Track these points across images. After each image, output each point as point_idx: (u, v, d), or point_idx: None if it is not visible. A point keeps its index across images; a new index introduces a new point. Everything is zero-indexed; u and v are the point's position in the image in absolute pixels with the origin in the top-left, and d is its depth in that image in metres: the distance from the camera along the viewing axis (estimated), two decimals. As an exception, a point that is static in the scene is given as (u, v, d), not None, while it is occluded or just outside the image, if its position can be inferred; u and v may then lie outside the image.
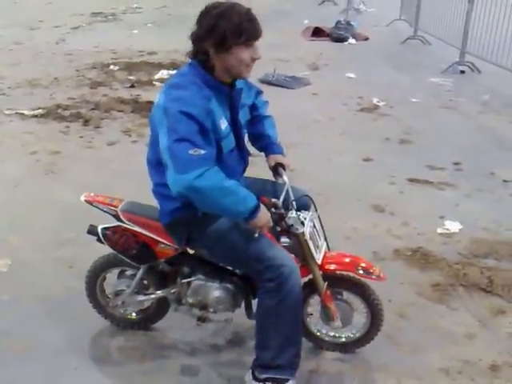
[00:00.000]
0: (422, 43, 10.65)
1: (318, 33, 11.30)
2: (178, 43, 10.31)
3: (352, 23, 11.50)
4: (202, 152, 2.14)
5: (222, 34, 2.19)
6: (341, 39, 10.92)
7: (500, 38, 7.71)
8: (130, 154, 5.31)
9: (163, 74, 8.11)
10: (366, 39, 11.13)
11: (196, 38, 2.27)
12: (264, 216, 2.28)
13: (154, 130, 2.32)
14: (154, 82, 7.76)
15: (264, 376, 2.44)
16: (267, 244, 2.37)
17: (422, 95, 7.25)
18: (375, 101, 6.98)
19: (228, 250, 2.41)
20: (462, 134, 5.82)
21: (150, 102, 6.58)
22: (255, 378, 2.47)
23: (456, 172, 4.94)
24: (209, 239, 2.42)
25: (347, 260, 2.60)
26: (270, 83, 7.90)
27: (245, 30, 2.20)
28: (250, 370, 2.51)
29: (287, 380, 2.44)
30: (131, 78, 8.00)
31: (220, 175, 2.19)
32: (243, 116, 2.52)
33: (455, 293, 3.24)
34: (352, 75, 8.20)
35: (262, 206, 2.29)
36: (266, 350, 2.41)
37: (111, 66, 8.66)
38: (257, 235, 2.30)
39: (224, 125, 2.34)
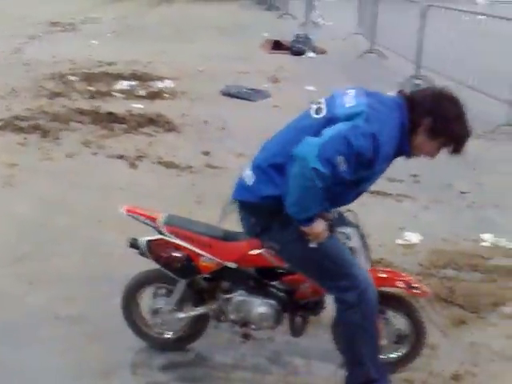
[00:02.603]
0: (378, 57, 10.89)
1: (277, 46, 11.42)
2: (138, 53, 10.36)
3: (310, 37, 11.68)
4: (341, 169, 2.10)
5: (451, 134, 2.27)
6: (300, 52, 11.07)
7: (454, 52, 7.95)
8: (90, 166, 5.23)
9: (123, 84, 8.06)
10: (325, 52, 11.32)
11: (429, 109, 2.26)
12: (318, 227, 2.26)
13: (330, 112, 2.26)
14: (113, 93, 7.67)
15: None
16: (347, 253, 2.40)
17: (380, 108, 7.38)
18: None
19: (305, 250, 2.34)
20: (419, 146, 5.95)
21: (110, 114, 6.53)
22: None
23: (414, 184, 5.06)
24: (288, 234, 2.36)
25: (390, 275, 2.62)
26: (230, 95, 7.93)
27: (462, 142, 2.31)
28: None
29: None
30: (90, 88, 7.88)
31: (322, 184, 2.12)
32: None
33: (417, 304, 3.28)
34: (311, 88, 8.30)
35: (321, 220, 2.28)
36: (362, 365, 2.41)
37: (70, 77, 8.52)
38: (314, 245, 2.29)
39: (381, 174, 2.33)
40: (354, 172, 2.14)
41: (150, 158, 5.39)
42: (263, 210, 2.37)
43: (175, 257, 2.57)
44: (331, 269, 2.34)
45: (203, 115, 6.85)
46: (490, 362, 2.85)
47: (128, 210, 2.70)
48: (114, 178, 4.88)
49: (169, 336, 2.84)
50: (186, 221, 2.71)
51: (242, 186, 2.45)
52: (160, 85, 8.19)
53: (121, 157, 5.36)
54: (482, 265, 3.73)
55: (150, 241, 2.62)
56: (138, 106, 7.06)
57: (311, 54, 11.08)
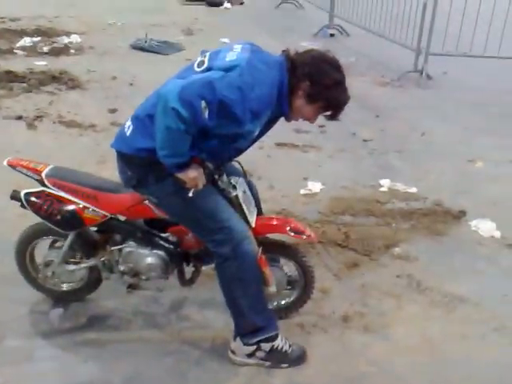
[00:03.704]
0: (295, 7, 10.84)
1: (192, -3, 11.12)
2: (44, 8, 9.81)
3: (227, -13, 11.42)
4: (204, 116, 2.04)
5: (329, 99, 2.26)
6: (216, 3, 10.84)
7: (365, 1, 8.00)
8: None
9: (26, 41, 7.62)
10: (242, 3, 11.14)
11: (308, 73, 2.22)
12: (193, 172, 2.21)
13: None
14: (15, 51, 7.26)
15: (255, 340, 2.49)
16: (224, 206, 2.36)
17: (293, 59, 7.38)
18: (247, 66, 7.01)
19: (182, 204, 2.33)
20: (328, 96, 6.01)
21: (9, 72, 6.19)
22: (247, 344, 2.50)
23: (321, 134, 5.12)
24: (164, 188, 2.32)
25: (277, 222, 2.65)
26: (141, 49, 7.71)
27: (340, 108, 2.31)
28: (238, 339, 2.52)
29: (277, 335, 2.53)
30: (-10, 45, 7.42)
31: (186, 128, 2.06)
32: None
33: (314, 250, 3.39)
34: (226, 40, 8.15)
35: (197, 166, 2.24)
36: (244, 316, 2.45)
37: (-33, 34, 7.98)
38: (191, 194, 2.24)
39: (255, 133, 2.27)
40: (217, 122, 2.10)
41: (50, 118, 5.16)
42: (139, 162, 2.32)
43: (54, 209, 2.52)
44: (206, 223, 2.34)
45: (111, 71, 6.62)
46: (378, 302, 2.98)
47: (10, 163, 2.59)
48: (10, 140, 4.65)
49: (64, 288, 2.83)
50: (73, 173, 2.65)
51: (120, 136, 2.39)
52: (66, 40, 7.81)
53: (19, 118, 5.11)
54: (378, 209, 3.86)
55: (29, 193, 2.56)
56: (41, 64, 6.72)
57: (227, 5, 10.87)
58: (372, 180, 4.29)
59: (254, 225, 2.52)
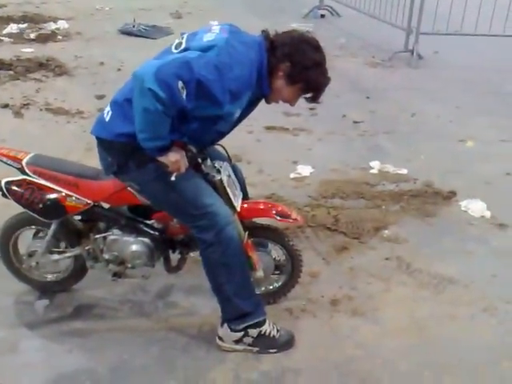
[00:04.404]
0: (286, -12, 10.68)
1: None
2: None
3: (216, -32, 11.24)
4: (183, 96, 1.99)
5: (308, 81, 2.23)
6: (205, -14, 10.66)
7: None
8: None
9: (12, 28, 7.53)
10: (231, -15, 10.96)
11: (288, 54, 2.20)
12: (174, 156, 2.17)
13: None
14: (1, 38, 7.16)
15: (242, 326, 2.47)
16: (207, 192, 2.33)
17: (283, 41, 7.30)
18: (237, 49, 6.93)
19: (164, 190, 2.29)
20: (318, 78, 5.95)
21: (-5, 59, 6.10)
22: (234, 330, 2.48)
23: (311, 117, 5.08)
24: (145, 174, 2.29)
25: (263, 206, 2.62)
26: (130, 34, 7.62)
27: (320, 90, 2.29)
28: (225, 325, 2.50)
29: (264, 320, 2.52)
30: (-25, 33, 7.31)
31: (165, 110, 2.01)
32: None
33: (303, 234, 3.36)
34: (216, 23, 8.04)
35: (178, 149, 2.21)
36: (230, 302, 2.43)
37: (-49, 21, 7.85)
38: (173, 178, 2.20)
39: (236, 115, 2.23)
40: (195, 103, 2.05)
41: (37, 106, 5.10)
42: (119, 148, 2.28)
43: (36, 198, 2.49)
44: (189, 209, 2.30)
45: (99, 56, 6.54)
46: (366, 285, 2.97)
47: None
48: (-4, 129, 4.61)
49: (49, 278, 2.80)
50: (54, 160, 2.60)
51: (100, 122, 2.35)
52: (53, 26, 7.70)
53: (5, 106, 5.03)
54: (368, 191, 3.83)
55: (10, 181, 2.52)
56: (27, 51, 6.62)
57: (217, -12, 10.71)
58: (362, 162, 4.25)
59: (239, 209, 2.50)
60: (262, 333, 2.50)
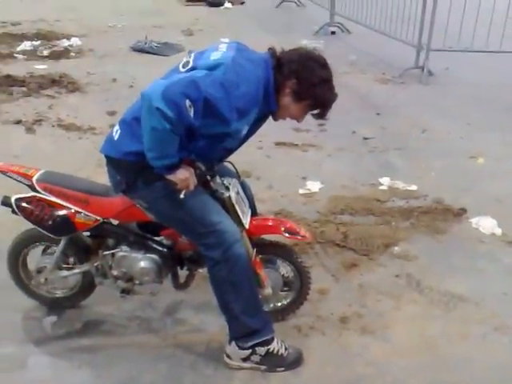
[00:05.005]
0: (296, 6, 10.79)
1: (194, -3, 11.10)
2: (45, 12, 9.82)
3: (227, -14, 11.39)
4: (190, 114, 2.01)
5: (315, 97, 2.24)
6: (217, 4, 10.82)
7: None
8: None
9: (26, 45, 7.64)
10: (242, 3, 11.11)
11: (295, 71, 2.22)
12: (183, 173, 2.20)
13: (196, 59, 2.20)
14: (15, 55, 7.27)
15: (250, 343, 2.46)
16: (215, 209, 2.33)
17: (294, 58, 7.34)
18: (247, 65, 6.97)
19: (172, 208, 2.31)
20: (328, 95, 5.97)
21: (9, 76, 6.20)
22: (242, 348, 2.47)
23: (320, 133, 5.08)
24: (153, 192, 2.31)
25: (271, 223, 2.62)
26: (141, 51, 7.70)
27: (327, 107, 2.29)
28: (233, 343, 2.49)
29: (272, 338, 2.49)
30: (-10, 50, 7.43)
31: (173, 128, 2.03)
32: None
33: (312, 251, 3.35)
34: (226, 40, 8.12)
35: (187, 167, 2.22)
36: (238, 319, 2.42)
37: (-32, 39, 7.99)
38: (182, 196, 2.22)
39: (244, 132, 2.24)
40: (203, 121, 2.06)
41: (49, 122, 5.15)
42: (127, 166, 2.30)
43: (46, 214, 2.50)
44: (196, 226, 2.31)
45: (111, 73, 6.61)
46: (376, 302, 2.94)
47: (0, 168, 2.56)
48: (8, 145, 4.64)
49: (58, 294, 2.80)
50: (64, 177, 2.63)
51: (109, 141, 2.37)
52: (66, 43, 7.82)
53: (18, 122, 5.10)
54: (378, 208, 3.82)
55: (19, 198, 2.54)
56: (41, 67, 6.72)
57: (228, 5, 10.84)
58: (372, 178, 4.24)
59: (247, 226, 2.49)
60: (270, 351, 2.49)
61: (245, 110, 2.13)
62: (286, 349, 2.52)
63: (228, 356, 2.51)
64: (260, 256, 2.58)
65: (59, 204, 2.51)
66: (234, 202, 2.40)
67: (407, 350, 2.63)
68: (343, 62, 7.17)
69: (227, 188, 2.41)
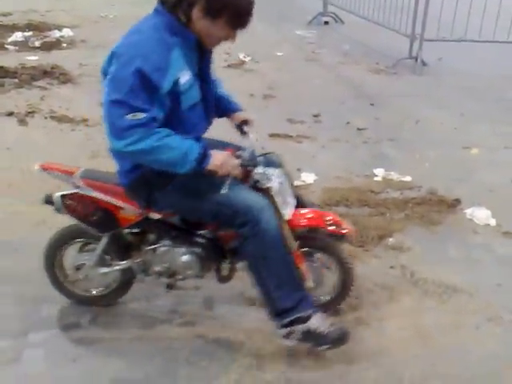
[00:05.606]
0: (289, -5, 10.72)
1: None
2: (36, 2, 9.72)
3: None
4: (142, 116, 2.05)
5: (226, 6, 2.12)
6: (210, -7, 10.71)
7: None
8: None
9: (17, 36, 7.57)
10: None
11: None
12: (217, 159, 2.19)
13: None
14: (6, 46, 7.21)
15: (287, 320, 2.40)
16: (236, 189, 2.31)
17: (287, 49, 7.33)
18: (242, 56, 6.94)
19: (195, 202, 2.32)
20: (322, 85, 5.97)
21: (1, 68, 6.15)
22: (279, 326, 2.43)
23: (315, 124, 5.07)
24: (170, 197, 2.34)
25: (314, 215, 2.56)
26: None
27: (244, 16, 2.17)
28: (273, 321, 2.45)
29: (309, 316, 2.41)
30: (-20, 41, 7.35)
31: (158, 135, 2.08)
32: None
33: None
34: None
35: (218, 151, 2.22)
36: (273, 296, 2.38)
37: (-42, 30, 7.91)
38: (225, 191, 2.22)
39: (185, 78, 2.19)
40: (149, 101, 2.07)
41: (42, 114, 5.12)
42: (137, 183, 2.36)
43: (91, 210, 2.50)
44: (223, 210, 2.31)
45: (103, 64, 6.55)
46: (370, 294, 2.94)
47: (43, 167, 2.56)
48: (1, 137, 4.61)
49: (94, 292, 2.79)
50: (105, 173, 2.61)
51: (117, 173, 2.45)
52: (58, 34, 7.75)
53: (10, 114, 5.06)
54: (372, 199, 3.82)
55: (64, 195, 2.53)
56: (32, 58, 6.67)
57: (221, -5, 10.75)
58: (366, 169, 4.24)
59: (289, 217, 2.45)
60: (309, 329, 2.42)
61: (160, 64, 2.09)
62: (328, 326, 2.44)
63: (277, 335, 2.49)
64: (302, 249, 2.55)
65: (102, 200, 2.49)
66: (273, 193, 2.38)
67: (401, 341, 2.64)
68: (337, 52, 7.17)
69: (269, 178, 2.38)
